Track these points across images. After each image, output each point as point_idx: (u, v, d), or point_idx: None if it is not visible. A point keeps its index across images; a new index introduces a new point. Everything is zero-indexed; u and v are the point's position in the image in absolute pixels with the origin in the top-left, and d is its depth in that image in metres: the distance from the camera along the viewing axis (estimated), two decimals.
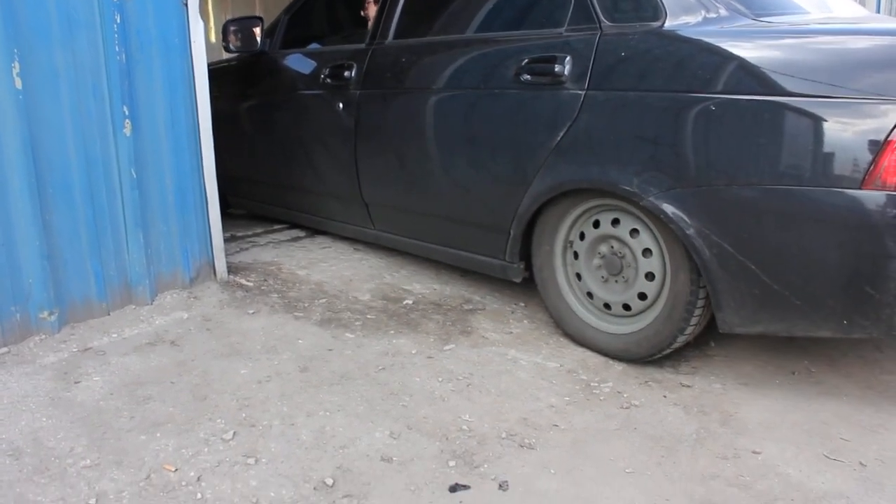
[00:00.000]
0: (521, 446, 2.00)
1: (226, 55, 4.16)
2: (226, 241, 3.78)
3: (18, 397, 2.16)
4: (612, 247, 2.50)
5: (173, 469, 1.86)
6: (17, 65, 2.31)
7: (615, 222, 2.47)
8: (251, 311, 2.75)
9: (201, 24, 2.75)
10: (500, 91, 2.62)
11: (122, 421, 2.06)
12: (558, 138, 2.44)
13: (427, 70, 2.93)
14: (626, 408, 2.22)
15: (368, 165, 3.17)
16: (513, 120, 2.59)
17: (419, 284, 3.10)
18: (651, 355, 2.45)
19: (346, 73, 3.21)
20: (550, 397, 2.26)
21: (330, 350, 2.50)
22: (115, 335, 2.55)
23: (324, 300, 2.89)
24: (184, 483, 1.81)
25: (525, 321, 2.81)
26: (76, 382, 2.25)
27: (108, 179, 2.59)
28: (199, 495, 1.77)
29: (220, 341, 2.53)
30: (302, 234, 3.89)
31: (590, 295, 2.60)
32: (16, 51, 2.31)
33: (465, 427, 2.08)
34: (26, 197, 2.38)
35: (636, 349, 2.47)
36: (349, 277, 3.16)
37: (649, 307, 2.46)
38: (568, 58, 2.43)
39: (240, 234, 3.84)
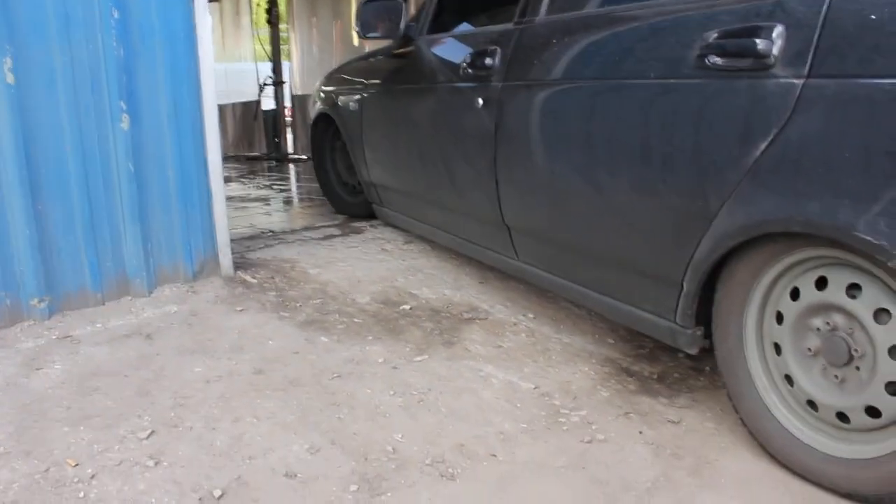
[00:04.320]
0: (442, 476, 1.81)
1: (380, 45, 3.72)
2: (263, 236, 3.82)
3: None
4: (836, 322, 1.66)
5: (74, 464, 1.83)
6: (8, 60, 2.40)
7: (851, 288, 1.62)
8: (239, 309, 2.72)
9: (208, 18, 2.76)
10: (676, 81, 1.85)
11: (57, 411, 2.07)
12: (758, 153, 1.64)
13: (579, 55, 2.25)
14: (587, 442, 1.96)
15: (510, 180, 2.54)
16: (692, 123, 1.82)
17: (428, 289, 2.94)
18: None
19: (488, 61, 2.58)
20: (505, 423, 2.04)
21: (295, 353, 2.40)
22: (99, 325, 2.59)
23: (318, 301, 2.80)
24: (76, 480, 1.78)
25: (523, 335, 2.58)
26: (37, 369, 2.30)
27: (106, 172, 2.65)
28: (82, 494, 1.73)
29: (193, 337, 2.51)
30: (336, 232, 3.85)
31: (803, 396, 1.77)
32: (8, 48, 2.40)
33: (390, 448, 1.91)
34: (17, 188, 2.47)
35: (873, 484, 1.60)
36: (359, 279, 3.06)
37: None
38: (778, 28, 1.59)
39: (277, 230, 3.85)
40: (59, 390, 2.18)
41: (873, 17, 1.45)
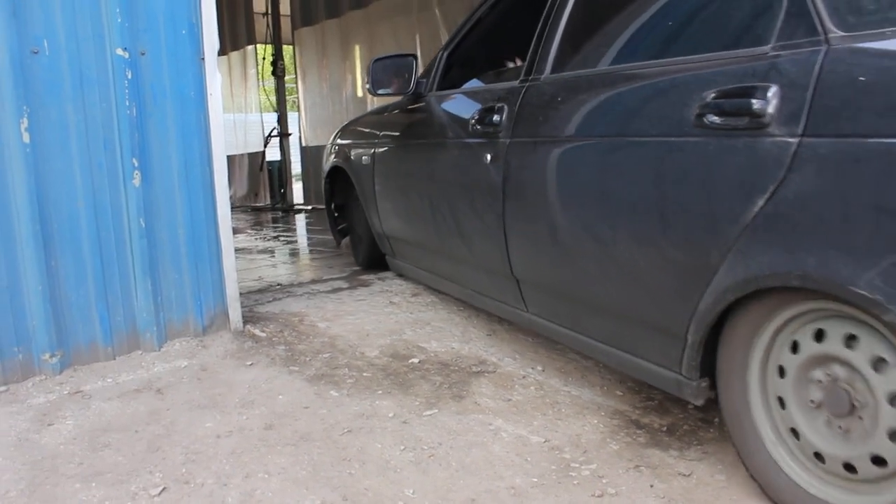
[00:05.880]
0: None
1: (392, 100, 3.78)
2: (272, 289, 3.85)
3: None
4: (836, 374, 1.67)
5: None
6: (25, 121, 2.47)
7: (849, 339, 1.64)
8: (249, 363, 2.73)
9: (218, 76, 2.83)
10: (675, 139, 1.89)
11: (69, 467, 2.07)
12: (756, 209, 1.67)
13: (583, 112, 2.31)
14: (598, 496, 1.95)
15: (518, 233, 2.58)
16: (693, 180, 1.86)
17: (437, 342, 2.96)
18: None
19: (496, 118, 2.64)
20: (516, 477, 2.04)
21: (306, 408, 2.41)
22: (110, 380, 2.61)
23: (328, 355, 2.81)
24: None
25: (532, 387, 2.58)
26: (49, 425, 2.31)
27: (117, 228, 2.69)
28: None
29: (203, 392, 2.52)
30: (344, 285, 3.87)
31: (810, 449, 1.76)
32: (25, 108, 2.47)
33: None
34: (31, 243, 2.51)
35: None
36: (367, 332, 3.07)
37: None
38: (773, 89, 1.64)
39: (285, 282, 3.88)
40: (71, 446, 2.18)
41: (863, 78, 1.48)
